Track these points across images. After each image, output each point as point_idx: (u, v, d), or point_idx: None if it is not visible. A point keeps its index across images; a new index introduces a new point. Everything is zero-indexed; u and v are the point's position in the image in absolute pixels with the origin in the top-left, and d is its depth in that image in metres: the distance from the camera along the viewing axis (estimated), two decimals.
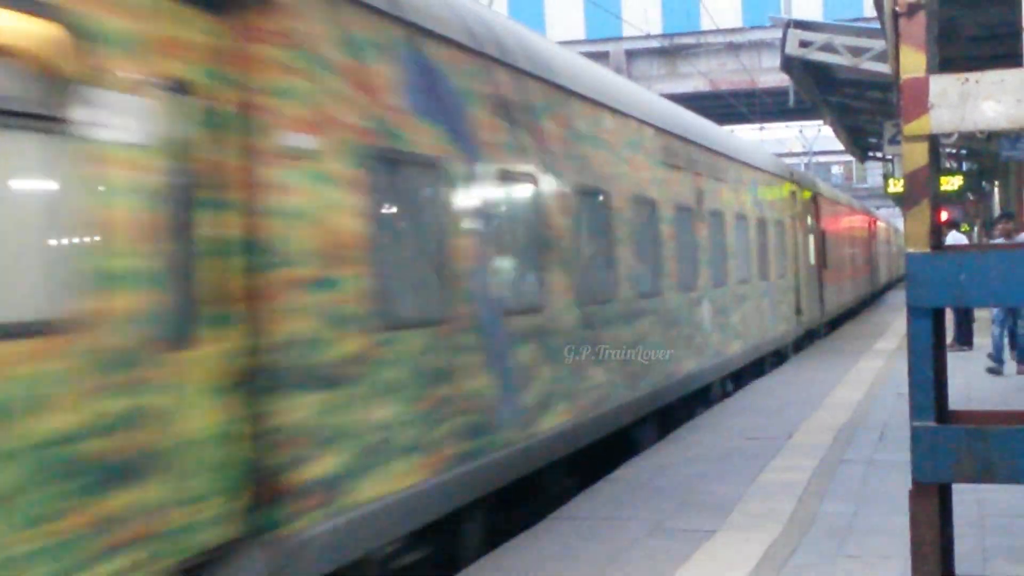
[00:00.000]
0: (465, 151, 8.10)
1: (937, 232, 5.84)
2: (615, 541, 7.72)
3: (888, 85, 20.65)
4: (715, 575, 6.82)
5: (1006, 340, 16.76)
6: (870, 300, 43.19)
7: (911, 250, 5.84)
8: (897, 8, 5.77)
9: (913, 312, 5.87)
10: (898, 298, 43.26)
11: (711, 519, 8.20)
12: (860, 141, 37.06)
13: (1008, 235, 16.46)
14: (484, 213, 8.34)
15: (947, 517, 5.99)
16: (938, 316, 5.94)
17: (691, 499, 8.93)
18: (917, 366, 5.88)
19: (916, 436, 5.87)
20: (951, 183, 31.99)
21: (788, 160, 34.50)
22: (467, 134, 8.16)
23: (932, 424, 5.86)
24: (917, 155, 5.81)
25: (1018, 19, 5.63)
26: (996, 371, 16.34)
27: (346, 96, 6.56)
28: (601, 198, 11.11)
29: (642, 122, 12.69)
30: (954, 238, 19.85)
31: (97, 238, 4.74)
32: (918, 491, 5.91)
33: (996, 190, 31.89)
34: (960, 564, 6.23)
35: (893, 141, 25.77)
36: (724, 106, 34.50)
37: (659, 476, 9.93)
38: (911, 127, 5.75)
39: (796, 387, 16.05)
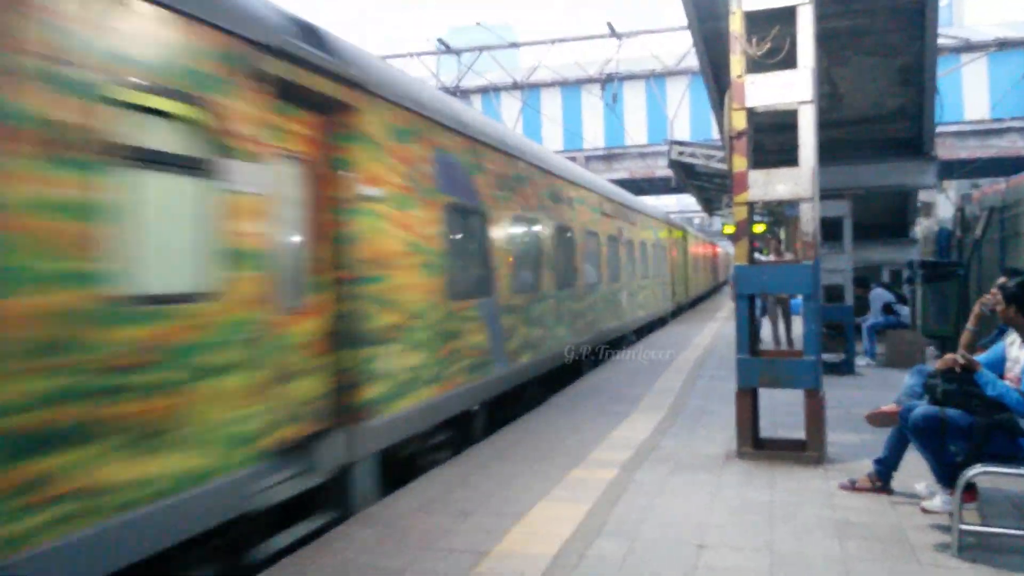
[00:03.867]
0: None
1: (752, 254, 5.93)
2: (576, 417, 7.79)
3: (725, 175, 20.57)
4: (632, 435, 6.88)
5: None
6: (718, 287, 49.28)
7: (737, 263, 5.94)
8: (731, 135, 5.86)
9: (739, 297, 5.97)
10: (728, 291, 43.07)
11: (629, 407, 8.26)
12: (710, 205, 36.80)
13: (777, 251, 14.01)
14: None
15: (755, 407, 6.10)
16: (751, 299, 6.02)
17: (618, 396, 8.98)
18: (740, 325, 5.98)
19: (739, 363, 5.98)
20: (759, 228, 31.79)
21: (671, 215, 34.35)
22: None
23: (747, 356, 5.97)
24: (742, 213, 5.90)
25: (795, 140, 5.73)
26: None
27: (391, 165, 5.59)
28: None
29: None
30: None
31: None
32: (740, 393, 6.02)
33: (783, 232, 31.68)
34: (762, 432, 6.32)
35: (728, 205, 25.71)
36: (637, 186, 34.45)
37: (601, 384, 9.97)
38: (739, 198, 5.85)
39: (675, 336, 16.05)
